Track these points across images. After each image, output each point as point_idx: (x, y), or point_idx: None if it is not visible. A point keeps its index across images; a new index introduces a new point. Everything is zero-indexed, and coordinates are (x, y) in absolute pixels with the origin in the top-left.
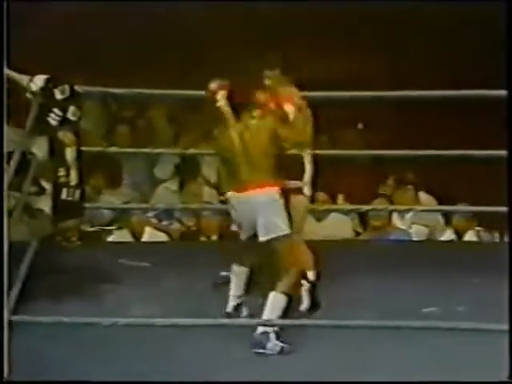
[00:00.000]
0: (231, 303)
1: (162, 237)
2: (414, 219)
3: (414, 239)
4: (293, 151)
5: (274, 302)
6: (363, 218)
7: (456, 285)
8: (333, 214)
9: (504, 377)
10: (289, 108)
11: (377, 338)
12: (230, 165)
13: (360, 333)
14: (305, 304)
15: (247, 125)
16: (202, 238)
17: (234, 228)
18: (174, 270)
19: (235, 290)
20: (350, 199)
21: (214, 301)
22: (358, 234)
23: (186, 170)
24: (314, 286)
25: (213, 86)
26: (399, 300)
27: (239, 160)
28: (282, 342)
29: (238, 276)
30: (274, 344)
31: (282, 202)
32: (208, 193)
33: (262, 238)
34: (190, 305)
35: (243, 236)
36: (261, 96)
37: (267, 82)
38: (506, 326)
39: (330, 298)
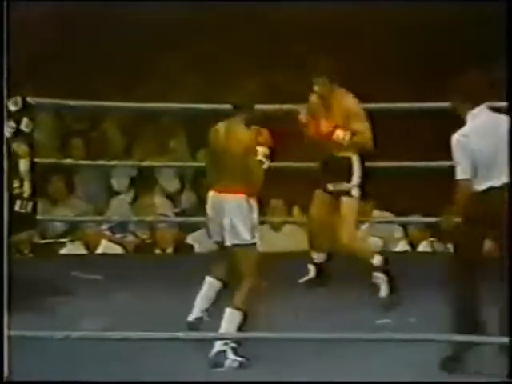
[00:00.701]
0: (194, 314)
1: (118, 250)
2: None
3: None
4: (343, 153)
5: (230, 318)
6: None
7: (410, 296)
8: (288, 226)
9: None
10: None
11: (330, 350)
12: (216, 165)
13: (313, 345)
14: (383, 291)
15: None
16: (158, 251)
17: (189, 240)
18: (128, 282)
19: (202, 302)
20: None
21: (169, 314)
22: None
23: (142, 182)
24: (387, 273)
25: (303, 118)
26: (353, 311)
27: (222, 162)
28: (239, 356)
29: (208, 288)
30: (231, 360)
31: (248, 210)
32: (163, 205)
33: (227, 243)
34: (143, 318)
35: (212, 239)
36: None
37: (316, 88)
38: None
39: (284, 310)
